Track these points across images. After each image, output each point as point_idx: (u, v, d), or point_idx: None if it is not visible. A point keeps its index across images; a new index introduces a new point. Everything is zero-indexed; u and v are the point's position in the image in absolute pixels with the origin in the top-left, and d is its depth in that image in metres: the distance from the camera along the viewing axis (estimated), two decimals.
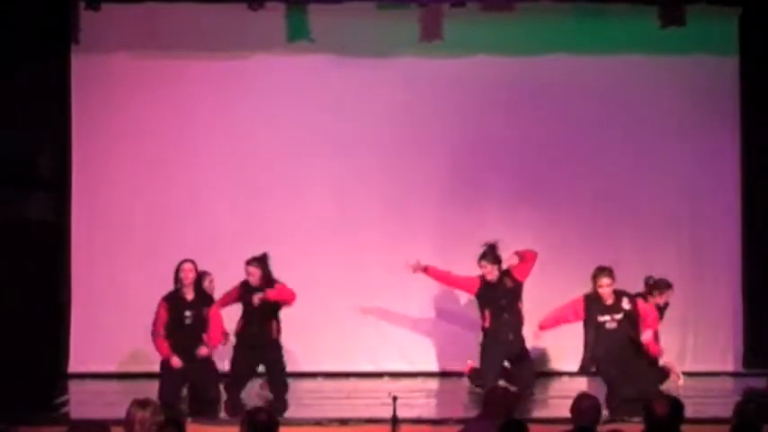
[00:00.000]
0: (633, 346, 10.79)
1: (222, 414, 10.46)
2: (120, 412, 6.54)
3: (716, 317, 12.36)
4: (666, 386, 11.14)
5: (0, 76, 11.94)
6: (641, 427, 6.68)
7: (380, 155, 12.67)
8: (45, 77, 12.28)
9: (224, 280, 11.36)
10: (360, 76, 12.65)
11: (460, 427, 7.66)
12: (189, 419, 9.36)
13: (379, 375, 12.38)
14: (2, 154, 12.09)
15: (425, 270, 11.55)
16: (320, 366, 12.44)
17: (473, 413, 7.50)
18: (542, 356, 12.41)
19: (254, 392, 11.18)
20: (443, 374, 12.56)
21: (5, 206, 12.13)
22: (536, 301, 11.51)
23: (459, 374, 12.45)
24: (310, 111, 12.63)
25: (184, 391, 10.86)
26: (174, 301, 10.73)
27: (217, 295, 11.20)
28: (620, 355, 10.69)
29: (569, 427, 6.80)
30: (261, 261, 11.13)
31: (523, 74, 12.69)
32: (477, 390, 11.10)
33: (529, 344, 11.50)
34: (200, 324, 10.74)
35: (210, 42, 12.61)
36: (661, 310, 11.34)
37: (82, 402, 11.29)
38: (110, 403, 10.21)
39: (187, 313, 10.70)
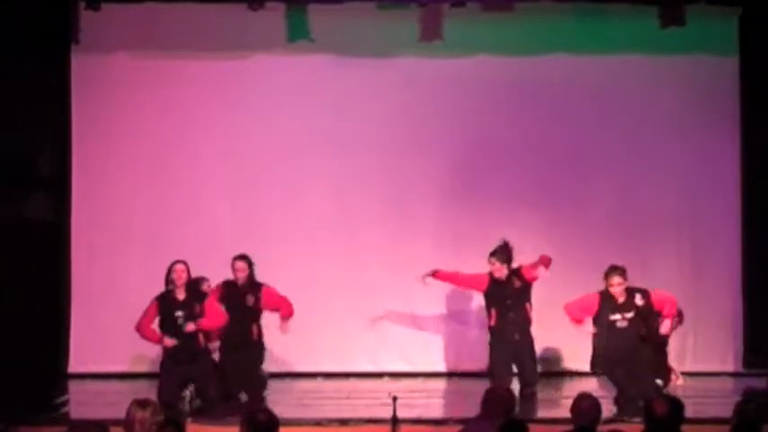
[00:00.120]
0: (643, 345, 10.78)
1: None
2: (120, 412, 6.54)
3: (716, 317, 12.36)
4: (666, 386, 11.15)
5: (0, 76, 11.94)
6: (641, 427, 6.68)
7: (380, 155, 12.67)
8: (45, 77, 12.28)
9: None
10: (360, 76, 12.65)
11: (460, 427, 7.66)
12: (189, 419, 9.37)
13: (379, 375, 12.38)
14: (2, 154, 12.09)
15: (435, 275, 11.54)
16: (320, 366, 12.44)
17: (473, 413, 7.47)
18: (547, 356, 12.41)
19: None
20: (443, 374, 12.56)
21: (5, 206, 12.13)
22: (536, 301, 11.49)
23: (459, 374, 12.48)
24: (310, 111, 12.64)
25: (186, 393, 10.84)
26: (165, 300, 10.70)
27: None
28: (628, 355, 10.68)
29: (569, 427, 6.80)
30: (248, 259, 11.15)
31: (523, 74, 12.69)
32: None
33: (539, 344, 11.49)
34: (192, 322, 10.70)
35: (210, 42, 12.61)
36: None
37: (82, 402, 11.29)
38: (110, 403, 10.19)
39: (179, 313, 10.64)
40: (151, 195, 12.59)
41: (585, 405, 6.78)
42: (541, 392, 11.40)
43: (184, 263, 10.78)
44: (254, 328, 11.21)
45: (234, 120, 12.66)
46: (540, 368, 11.94)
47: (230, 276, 11.29)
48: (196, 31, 12.60)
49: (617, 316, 10.73)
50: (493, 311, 11.39)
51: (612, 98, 12.75)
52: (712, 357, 12.39)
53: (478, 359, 11.86)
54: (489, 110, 12.72)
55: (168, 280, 10.73)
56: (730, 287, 12.67)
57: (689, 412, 6.85)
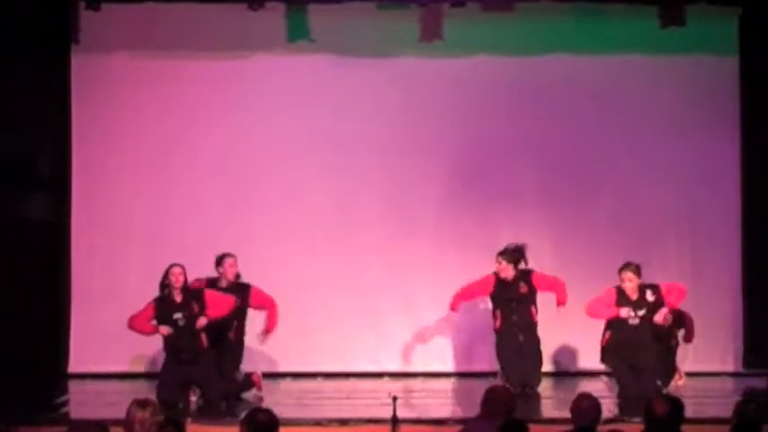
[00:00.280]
0: (652, 344, 10.78)
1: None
2: (120, 412, 6.54)
3: (716, 317, 12.35)
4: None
5: (0, 76, 11.94)
6: (641, 426, 6.68)
7: (380, 155, 12.67)
8: (45, 77, 12.27)
9: None
10: (360, 76, 12.65)
11: (460, 427, 7.66)
12: (189, 419, 9.36)
13: (379, 375, 12.38)
14: (2, 154, 12.09)
15: (454, 308, 11.55)
16: (320, 366, 12.44)
17: (473, 413, 7.47)
18: (549, 357, 12.42)
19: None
20: (443, 374, 12.56)
21: (5, 206, 12.12)
22: (537, 301, 11.50)
23: (459, 374, 12.48)
24: (310, 111, 12.63)
25: (192, 395, 10.83)
26: (163, 303, 10.69)
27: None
28: (636, 352, 10.67)
29: (569, 427, 6.80)
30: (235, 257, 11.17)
31: (523, 74, 12.69)
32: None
33: (547, 346, 11.51)
34: (193, 322, 10.69)
35: (210, 42, 12.61)
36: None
37: (82, 402, 11.29)
38: (110, 403, 10.20)
39: (177, 315, 10.65)
40: (151, 195, 12.59)
41: (585, 405, 6.78)
42: (543, 392, 11.40)
43: (181, 266, 10.78)
44: (232, 330, 11.16)
45: (234, 120, 12.65)
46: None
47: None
48: (196, 31, 12.59)
49: (630, 313, 10.74)
50: (498, 313, 11.42)
51: (612, 98, 12.75)
52: (712, 357, 12.39)
53: (479, 359, 11.88)
54: (489, 110, 12.72)
55: (165, 283, 10.72)
56: (730, 287, 12.67)
57: (689, 412, 6.86)
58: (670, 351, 11.37)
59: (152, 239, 12.45)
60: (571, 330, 12.20)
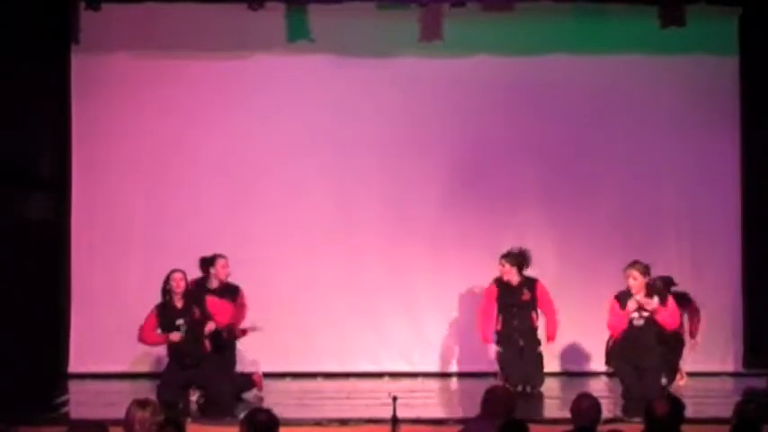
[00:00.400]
0: (656, 345, 10.75)
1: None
2: (119, 412, 6.54)
3: (716, 317, 12.34)
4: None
5: (0, 76, 11.94)
6: (641, 426, 6.68)
7: (380, 155, 12.67)
8: (45, 77, 12.27)
9: None
10: (360, 76, 12.65)
11: (460, 427, 7.66)
12: (189, 419, 9.36)
13: (379, 375, 12.38)
14: (2, 154, 12.09)
15: (487, 341, 11.48)
16: (320, 366, 12.44)
17: (473, 413, 7.48)
18: (555, 357, 12.43)
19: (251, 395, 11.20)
20: (443, 374, 12.56)
21: (5, 206, 12.12)
22: None
23: (459, 374, 12.48)
24: (310, 111, 12.63)
25: (193, 395, 10.83)
26: (165, 310, 10.67)
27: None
28: (640, 353, 10.64)
29: (569, 427, 6.80)
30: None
31: (523, 74, 12.69)
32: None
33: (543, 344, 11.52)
34: (195, 327, 10.68)
35: (210, 42, 12.61)
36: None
37: (82, 402, 11.28)
38: (110, 403, 10.20)
39: (179, 321, 10.63)
40: (151, 195, 12.59)
41: (585, 405, 6.78)
42: (546, 392, 11.40)
43: (182, 271, 10.77)
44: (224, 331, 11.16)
45: (234, 119, 12.65)
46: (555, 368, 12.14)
47: (232, 277, 11.31)
48: (196, 31, 12.59)
49: (634, 314, 10.70)
50: (499, 317, 11.42)
51: (612, 98, 12.75)
52: (712, 357, 12.38)
53: (479, 359, 11.87)
54: (489, 110, 12.72)
55: (166, 289, 10.69)
56: (730, 287, 12.67)
57: (689, 412, 6.85)
58: (675, 351, 11.36)
59: (152, 239, 12.45)
60: (575, 331, 12.19)
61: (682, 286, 11.55)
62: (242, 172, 12.61)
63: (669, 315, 10.72)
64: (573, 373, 12.38)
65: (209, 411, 10.40)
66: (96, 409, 10.47)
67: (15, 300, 11.76)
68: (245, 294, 11.28)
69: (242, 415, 6.43)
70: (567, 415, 6.86)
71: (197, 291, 10.93)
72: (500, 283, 11.40)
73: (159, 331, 10.69)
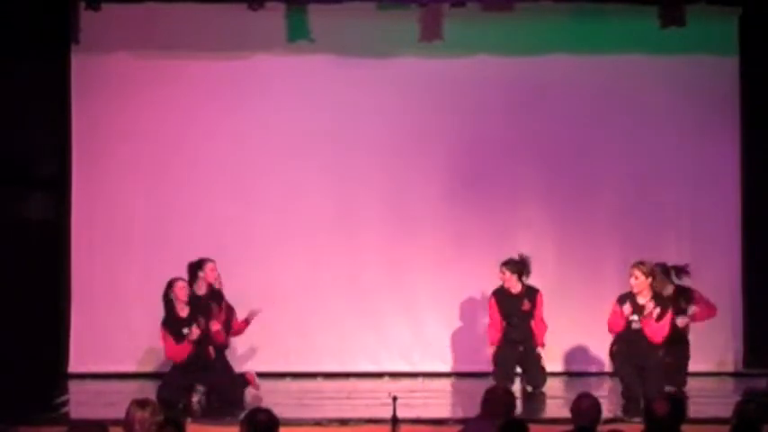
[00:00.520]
0: (657, 348, 10.72)
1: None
2: (120, 412, 6.55)
3: (716, 317, 12.32)
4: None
5: (0, 76, 11.94)
6: (641, 427, 6.68)
7: (380, 155, 12.67)
8: (45, 77, 12.26)
9: (224, 280, 11.34)
10: (360, 76, 12.64)
11: (460, 427, 7.66)
12: (189, 419, 9.37)
13: (379, 375, 12.37)
14: (2, 154, 12.09)
15: (494, 342, 11.48)
16: (320, 366, 12.44)
17: (473, 413, 7.48)
18: (550, 357, 12.44)
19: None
20: (443, 374, 12.56)
21: (5, 206, 12.13)
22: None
23: (459, 374, 12.48)
24: (310, 111, 12.62)
25: (195, 396, 10.83)
26: (171, 322, 10.62)
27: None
28: (640, 356, 10.62)
29: (569, 427, 6.80)
30: None
31: (523, 74, 12.68)
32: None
33: (554, 347, 11.54)
34: (202, 335, 10.66)
35: (210, 42, 12.60)
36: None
37: (82, 402, 11.28)
38: (110, 403, 10.20)
39: (186, 330, 10.62)
40: (151, 195, 12.59)
41: (585, 405, 6.79)
42: (548, 392, 11.41)
43: (184, 279, 10.77)
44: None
45: (234, 119, 12.65)
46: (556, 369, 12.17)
47: (232, 277, 11.31)
48: (196, 31, 12.59)
49: (634, 317, 10.66)
50: (503, 324, 11.42)
51: (612, 98, 12.74)
52: (712, 357, 12.38)
53: (479, 359, 11.86)
54: (489, 110, 12.71)
55: (168, 297, 10.64)
56: (730, 287, 12.66)
57: (689, 412, 6.85)
58: (681, 355, 11.36)
59: (152, 239, 12.45)
60: (574, 331, 12.20)
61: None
62: (242, 171, 12.61)
63: (657, 330, 10.61)
64: (573, 373, 12.38)
65: (213, 412, 10.40)
66: (96, 409, 10.47)
67: (15, 300, 11.76)
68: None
69: (242, 415, 6.43)
70: (568, 415, 6.87)
71: (198, 299, 10.90)
72: (499, 293, 11.40)
73: (175, 341, 10.61)
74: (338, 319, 12.52)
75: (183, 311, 10.65)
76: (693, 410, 8.76)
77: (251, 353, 12.21)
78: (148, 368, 12.17)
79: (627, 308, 10.61)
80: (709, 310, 11.42)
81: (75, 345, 12.48)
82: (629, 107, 12.72)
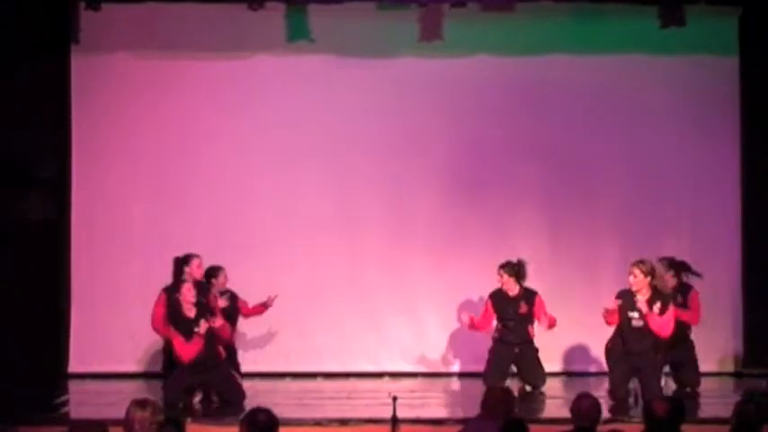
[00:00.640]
0: (657, 348, 10.72)
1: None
2: (120, 412, 6.55)
3: (715, 317, 12.33)
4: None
5: (0, 76, 11.94)
6: (641, 427, 6.68)
7: (380, 155, 12.67)
8: (45, 77, 12.27)
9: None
10: (360, 77, 12.64)
11: (460, 427, 7.66)
12: (189, 419, 9.36)
13: (379, 375, 12.38)
14: (2, 154, 12.10)
15: (472, 323, 11.49)
16: (320, 366, 12.44)
17: (473, 413, 7.48)
18: (550, 357, 12.45)
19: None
20: (443, 374, 12.56)
21: (5, 206, 12.13)
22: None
23: (459, 374, 12.48)
24: (310, 111, 12.62)
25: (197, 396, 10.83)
26: (179, 323, 10.59)
27: None
28: (639, 355, 10.60)
29: (569, 427, 6.80)
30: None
31: (523, 74, 12.69)
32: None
33: (542, 343, 11.52)
34: (210, 335, 10.63)
35: (210, 42, 12.60)
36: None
37: (82, 402, 11.28)
38: (110, 403, 10.20)
39: (197, 329, 10.60)
40: (151, 195, 12.59)
41: (585, 405, 6.79)
42: (548, 392, 11.42)
43: (189, 282, 10.75)
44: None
45: (234, 119, 12.64)
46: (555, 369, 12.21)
47: (233, 277, 11.32)
48: (196, 31, 12.59)
49: (634, 314, 10.64)
50: (499, 326, 11.46)
51: (612, 98, 12.74)
52: (712, 357, 12.38)
53: (479, 359, 11.85)
54: (489, 110, 12.71)
55: (177, 300, 10.62)
56: (730, 287, 12.67)
57: (692, 412, 6.86)
58: (688, 351, 11.36)
59: (152, 239, 12.44)
60: (574, 331, 12.20)
61: None
62: (242, 171, 12.61)
63: (662, 324, 10.56)
64: (573, 374, 12.38)
65: (213, 412, 10.40)
66: (96, 409, 10.46)
67: (15, 300, 11.77)
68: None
69: (242, 415, 6.43)
70: (567, 415, 6.87)
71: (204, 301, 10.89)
72: (496, 296, 11.41)
73: (185, 339, 10.58)
74: (338, 319, 12.52)
75: (191, 312, 10.62)
76: (693, 410, 8.78)
77: (251, 353, 12.21)
78: (149, 368, 12.18)
79: (619, 302, 10.58)
80: (693, 315, 11.35)
81: (75, 345, 12.48)
82: (629, 107, 12.73)
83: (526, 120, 12.71)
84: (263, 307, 11.61)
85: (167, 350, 10.99)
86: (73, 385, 12.05)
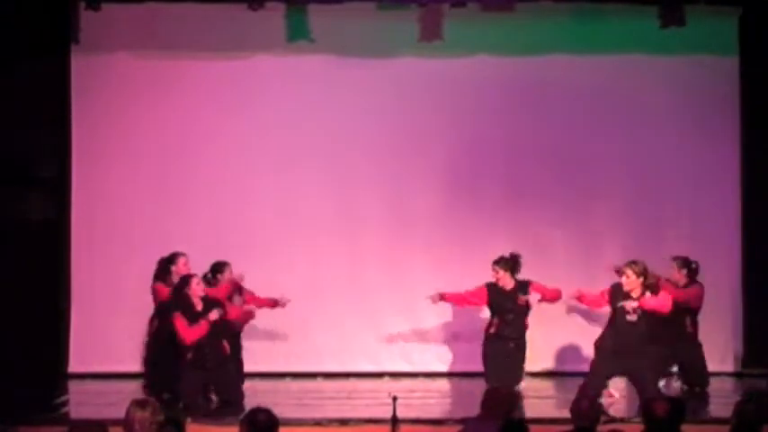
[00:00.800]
0: (650, 344, 10.69)
1: None
2: (120, 412, 6.55)
3: (716, 317, 12.34)
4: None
5: (0, 76, 11.94)
6: (641, 427, 6.68)
7: (380, 155, 12.67)
8: (45, 77, 12.27)
9: None
10: (360, 77, 12.64)
11: (460, 427, 7.66)
12: (189, 419, 9.36)
13: (379, 375, 12.38)
14: (2, 154, 12.10)
15: (443, 298, 11.54)
16: (320, 366, 12.45)
17: (473, 413, 7.48)
18: (549, 356, 12.45)
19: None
20: (443, 374, 12.57)
21: (5, 206, 12.13)
22: (536, 302, 11.50)
23: (459, 374, 12.48)
24: (310, 110, 12.63)
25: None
26: (187, 315, 10.62)
27: None
28: (631, 351, 10.56)
29: (569, 427, 6.80)
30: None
31: (523, 74, 12.69)
32: None
33: (540, 342, 11.51)
34: (216, 330, 10.63)
35: (210, 42, 12.61)
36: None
37: (82, 402, 11.29)
38: (110, 403, 10.21)
39: (213, 316, 10.61)
40: (151, 195, 12.59)
41: (585, 405, 6.79)
42: (543, 392, 11.41)
43: (197, 275, 10.74)
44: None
45: (234, 119, 12.65)
46: (541, 368, 12.19)
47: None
48: (196, 31, 12.59)
49: (627, 303, 10.57)
50: (495, 320, 11.43)
51: (612, 98, 12.75)
52: (712, 357, 12.35)
53: (478, 359, 11.85)
54: (489, 110, 12.71)
55: (184, 294, 10.60)
56: (730, 287, 12.67)
57: (689, 412, 6.86)
58: (695, 351, 11.37)
59: (152, 239, 12.42)
60: (574, 331, 12.21)
61: None
62: (242, 171, 12.61)
63: (659, 301, 10.45)
64: (572, 374, 12.37)
65: (219, 412, 10.41)
66: (96, 409, 10.47)
67: (15, 300, 11.77)
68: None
69: (242, 415, 6.43)
70: (567, 415, 6.87)
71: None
72: (492, 288, 11.40)
73: (189, 324, 10.52)
74: (338, 319, 12.52)
75: (199, 305, 10.61)
76: (700, 410, 8.79)
77: (251, 353, 12.18)
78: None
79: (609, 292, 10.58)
80: (692, 298, 11.36)
81: (75, 345, 12.49)
82: (629, 107, 12.73)
83: (526, 120, 12.72)
84: (273, 303, 11.49)
85: (152, 344, 11.02)
86: (73, 385, 12.06)
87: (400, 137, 12.68)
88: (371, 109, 12.66)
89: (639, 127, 12.73)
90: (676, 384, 11.56)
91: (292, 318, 12.22)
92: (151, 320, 11.40)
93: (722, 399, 10.64)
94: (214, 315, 10.50)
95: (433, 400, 11.50)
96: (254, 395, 10.89)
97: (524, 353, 11.48)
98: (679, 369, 11.51)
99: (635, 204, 12.73)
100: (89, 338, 12.41)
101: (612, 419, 9.27)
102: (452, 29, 12.62)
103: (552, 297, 11.39)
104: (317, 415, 10.03)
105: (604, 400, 10.68)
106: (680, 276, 11.33)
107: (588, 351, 11.38)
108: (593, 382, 10.39)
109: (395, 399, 8.39)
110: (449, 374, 12.57)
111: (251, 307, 11.31)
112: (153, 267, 11.68)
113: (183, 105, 12.65)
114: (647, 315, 10.54)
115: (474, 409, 7.40)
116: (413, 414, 9.64)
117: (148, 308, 11.33)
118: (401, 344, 12.65)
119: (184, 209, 12.55)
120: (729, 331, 12.65)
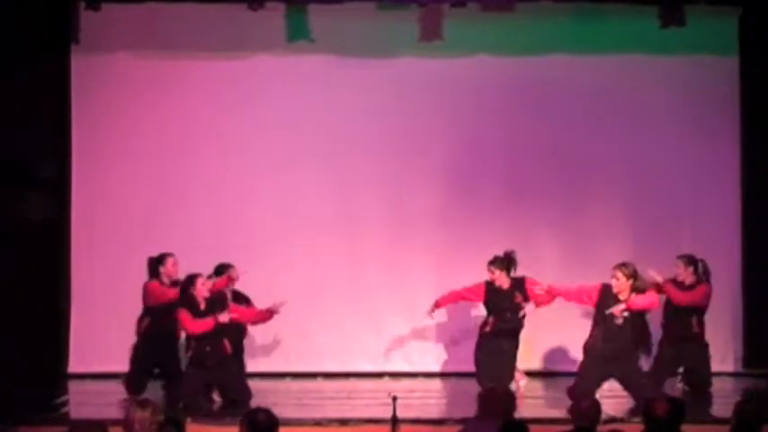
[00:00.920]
0: (635, 345, 10.69)
1: None
2: (120, 412, 6.55)
3: (716, 317, 12.33)
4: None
5: (0, 76, 11.94)
6: (641, 427, 6.68)
7: (380, 155, 12.67)
8: (45, 77, 12.27)
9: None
10: (360, 77, 12.64)
11: (460, 427, 7.66)
12: (189, 419, 9.36)
13: (379, 375, 12.38)
14: (2, 154, 12.10)
15: (437, 305, 11.53)
16: (320, 366, 12.45)
17: (473, 413, 7.48)
18: (547, 356, 12.45)
19: None
20: (443, 374, 12.57)
21: (5, 206, 12.13)
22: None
23: (459, 374, 12.47)
24: (310, 111, 12.63)
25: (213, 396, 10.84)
26: (190, 310, 10.62)
27: None
28: (620, 354, 10.57)
29: (569, 427, 6.80)
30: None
31: (523, 74, 12.69)
32: None
33: (538, 342, 11.52)
34: (218, 329, 10.62)
35: (210, 42, 12.61)
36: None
37: (82, 402, 11.29)
38: (110, 403, 10.21)
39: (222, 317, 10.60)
40: (152, 195, 12.59)
41: (585, 405, 6.79)
42: (542, 392, 11.40)
43: (201, 274, 10.73)
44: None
45: (234, 120, 12.65)
46: (539, 367, 12.23)
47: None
48: (196, 31, 12.59)
49: (615, 306, 10.58)
50: (491, 319, 11.42)
51: (612, 98, 12.75)
52: (712, 357, 12.33)
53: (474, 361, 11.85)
54: (489, 110, 12.71)
55: (190, 294, 10.59)
56: (730, 287, 12.66)
57: (689, 412, 6.85)
58: (702, 352, 11.39)
59: (152, 240, 12.40)
60: (573, 331, 12.18)
61: None
62: (242, 171, 12.61)
63: (646, 299, 10.52)
64: (572, 374, 12.36)
65: (219, 412, 10.40)
66: (96, 409, 10.47)
67: (15, 300, 11.77)
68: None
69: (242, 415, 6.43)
70: (567, 415, 6.87)
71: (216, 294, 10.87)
72: (490, 287, 11.40)
73: (193, 317, 10.52)
74: (338, 319, 12.52)
75: (203, 304, 10.59)
76: (702, 410, 8.77)
77: (251, 352, 12.19)
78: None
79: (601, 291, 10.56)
80: (696, 299, 11.38)
81: (75, 345, 12.49)
82: (629, 107, 12.73)
83: (526, 120, 12.72)
84: (268, 313, 11.20)
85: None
86: (73, 385, 12.05)
87: (400, 137, 12.69)
88: (371, 109, 12.66)
89: (639, 127, 12.73)
90: (678, 385, 11.55)
91: (292, 318, 12.19)
92: (140, 320, 11.40)
93: (722, 399, 10.64)
94: (224, 317, 10.50)
95: (432, 400, 11.51)
96: (254, 395, 10.90)
97: (515, 353, 11.47)
98: (684, 371, 11.51)
99: (635, 204, 12.73)
100: (89, 338, 12.41)
101: (612, 419, 9.27)
102: (452, 29, 12.62)
103: (546, 302, 11.37)
104: (317, 415, 10.03)
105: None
106: (687, 275, 11.33)
107: (577, 352, 11.40)
108: (582, 385, 10.38)
109: (395, 399, 8.40)
110: (449, 375, 12.56)
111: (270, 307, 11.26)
112: None
113: (183, 105, 12.65)
114: (634, 317, 10.55)
115: (474, 409, 7.40)
116: (413, 414, 9.64)
117: None
118: (401, 344, 12.64)
119: (184, 209, 12.55)
120: (729, 331, 12.65)
